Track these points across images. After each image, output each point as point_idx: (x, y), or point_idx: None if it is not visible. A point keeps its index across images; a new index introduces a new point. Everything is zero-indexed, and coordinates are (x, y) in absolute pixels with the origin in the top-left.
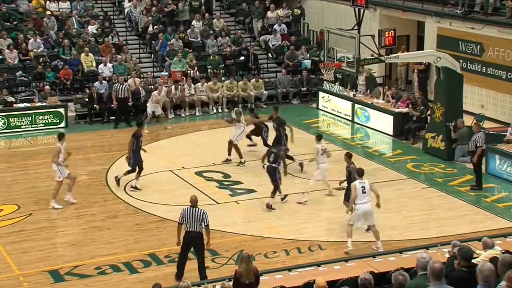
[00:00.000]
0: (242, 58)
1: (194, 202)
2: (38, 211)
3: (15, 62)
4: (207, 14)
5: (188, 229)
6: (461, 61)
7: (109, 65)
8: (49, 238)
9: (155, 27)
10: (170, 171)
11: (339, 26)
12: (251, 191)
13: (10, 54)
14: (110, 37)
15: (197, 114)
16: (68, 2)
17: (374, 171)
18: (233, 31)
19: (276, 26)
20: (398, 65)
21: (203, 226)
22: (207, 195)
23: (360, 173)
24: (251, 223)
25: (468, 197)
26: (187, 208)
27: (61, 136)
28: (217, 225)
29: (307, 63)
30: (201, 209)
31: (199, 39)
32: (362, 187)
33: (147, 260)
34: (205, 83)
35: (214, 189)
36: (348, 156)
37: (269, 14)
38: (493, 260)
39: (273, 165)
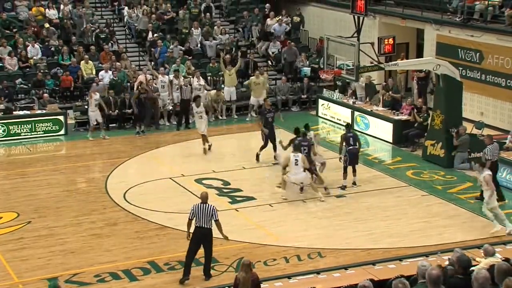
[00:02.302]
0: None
1: (204, 198)
2: (37, 218)
3: (15, 69)
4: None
5: (198, 225)
6: (460, 68)
7: (109, 72)
8: (48, 246)
9: (154, 34)
10: (170, 178)
11: (338, 34)
12: (250, 198)
13: (10, 61)
14: (110, 44)
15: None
16: (68, 8)
17: (373, 178)
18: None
19: (276, 26)
20: (398, 72)
21: (214, 221)
22: None
23: (295, 147)
24: (250, 230)
25: (468, 205)
26: (198, 204)
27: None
28: (216, 232)
29: (307, 70)
30: (211, 205)
31: (198, 46)
32: (295, 159)
33: (146, 268)
34: (205, 91)
35: (213, 197)
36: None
37: (268, 21)
38: (493, 267)
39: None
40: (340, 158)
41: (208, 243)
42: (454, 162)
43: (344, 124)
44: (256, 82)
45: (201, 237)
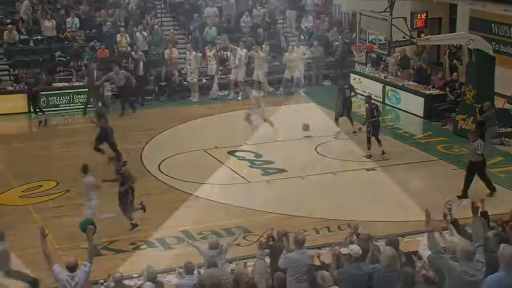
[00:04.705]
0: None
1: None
2: (76, 187)
3: (52, 35)
4: None
5: None
6: (493, 43)
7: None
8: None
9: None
10: (203, 150)
11: (371, 8)
12: (282, 170)
13: (47, 23)
14: (148, 17)
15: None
16: None
17: (403, 152)
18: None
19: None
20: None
21: None
22: (239, 174)
23: None
24: (281, 201)
25: (498, 179)
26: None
27: None
28: (248, 204)
29: (339, 44)
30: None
31: (233, 13)
32: None
33: (180, 237)
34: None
35: (246, 169)
36: (369, 98)
37: None
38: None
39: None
40: (360, 128)
41: None
42: (485, 137)
43: (365, 96)
44: (289, 58)
45: None
